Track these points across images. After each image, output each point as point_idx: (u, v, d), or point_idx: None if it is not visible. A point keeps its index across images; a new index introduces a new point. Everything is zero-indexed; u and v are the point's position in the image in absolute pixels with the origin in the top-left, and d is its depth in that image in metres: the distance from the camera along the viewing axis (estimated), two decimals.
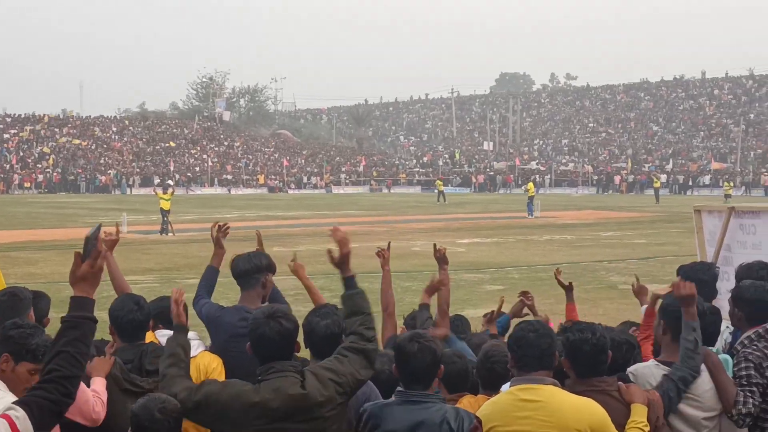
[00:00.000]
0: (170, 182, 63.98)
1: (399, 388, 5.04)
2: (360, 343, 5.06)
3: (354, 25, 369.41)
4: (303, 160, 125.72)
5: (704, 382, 5.64)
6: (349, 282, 5.33)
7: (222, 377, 6.17)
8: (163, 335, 6.31)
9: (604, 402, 5.05)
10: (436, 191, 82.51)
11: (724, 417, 5.70)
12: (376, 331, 5.36)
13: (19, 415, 3.76)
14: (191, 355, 6.20)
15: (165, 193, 43.01)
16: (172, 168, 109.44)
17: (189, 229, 42.43)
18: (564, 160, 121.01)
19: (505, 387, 5.24)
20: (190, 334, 6.44)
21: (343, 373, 4.91)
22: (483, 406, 5.13)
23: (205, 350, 6.43)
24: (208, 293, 7.04)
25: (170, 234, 39.89)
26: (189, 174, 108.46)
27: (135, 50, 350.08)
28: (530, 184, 60.05)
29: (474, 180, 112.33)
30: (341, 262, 5.42)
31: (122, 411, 5.66)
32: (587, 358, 5.18)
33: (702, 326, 5.75)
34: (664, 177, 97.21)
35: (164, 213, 40.73)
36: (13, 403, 3.83)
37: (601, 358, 5.21)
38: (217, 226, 7.13)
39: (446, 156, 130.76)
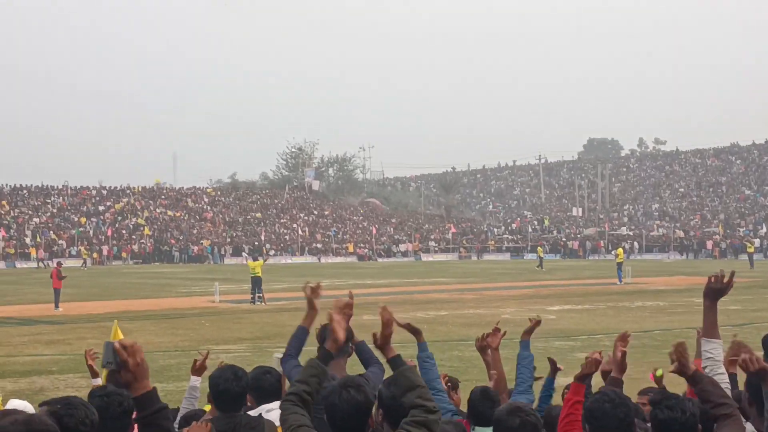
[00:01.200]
0: (270, 252, 65.16)
1: None
2: (422, 416, 4.82)
3: (440, 93, 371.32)
4: (392, 228, 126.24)
5: None
6: (396, 362, 5.08)
7: None
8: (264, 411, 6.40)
9: None
10: (537, 257, 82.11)
11: None
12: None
13: None
14: (278, 424, 6.29)
15: (255, 260, 43.79)
16: (263, 237, 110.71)
17: (280, 298, 42.84)
18: (655, 225, 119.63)
19: None
20: (276, 403, 6.51)
21: None
22: None
23: None
24: (296, 353, 7.11)
25: (262, 303, 40.33)
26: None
27: (226, 121, 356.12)
28: (619, 250, 59.77)
29: (563, 246, 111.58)
30: (384, 344, 5.22)
31: None
32: None
33: None
34: (757, 242, 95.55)
35: (256, 281, 41.16)
36: None
37: None
38: (309, 287, 7.07)
39: (535, 222, 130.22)
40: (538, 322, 7.68)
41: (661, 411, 5.09)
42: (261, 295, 41.07)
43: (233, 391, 6.10)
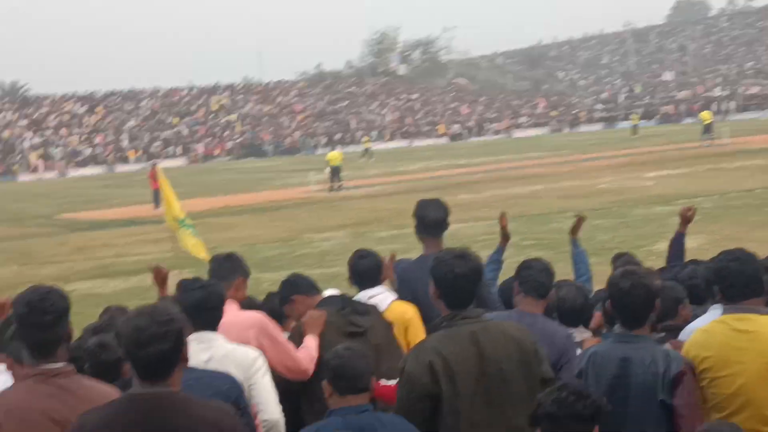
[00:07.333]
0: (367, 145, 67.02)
1: (614, 330, 4.95)
2: None
3: None
4: (481, 107, 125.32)
5: None
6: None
7: (420, 324, 6.19)
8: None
9: None
10: (631, 125, 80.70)
11: None
12: None
13: None
14: (382, 308, 6.14)
15: (333, 151, 45.28)
16: (354, 125, 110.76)
17: (374, 184, 43.12)
18: (750, 83, 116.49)
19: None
20: (378, 288, 6.37)
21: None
22: (695, 334, 4.97)
23: (396, 299, 6.37)
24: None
25: (340, 190, 41.24)
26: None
27: (308, 12, 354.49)
28: (702, 114, 58.42)
29: (656, 112, 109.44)
30: None
31: None
32: None
33: None
34: None
35: (335, 170, 42.56)
36: None
37: None
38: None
39: (626, 90, 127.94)
40: (582, 219, 7.86)
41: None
42: (341, 183, 42.51)
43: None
